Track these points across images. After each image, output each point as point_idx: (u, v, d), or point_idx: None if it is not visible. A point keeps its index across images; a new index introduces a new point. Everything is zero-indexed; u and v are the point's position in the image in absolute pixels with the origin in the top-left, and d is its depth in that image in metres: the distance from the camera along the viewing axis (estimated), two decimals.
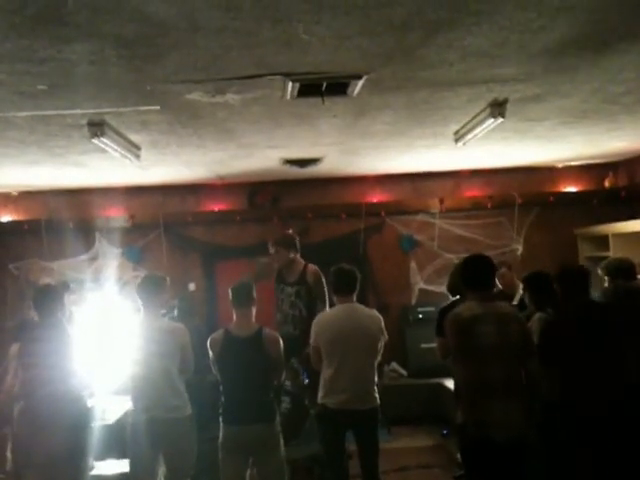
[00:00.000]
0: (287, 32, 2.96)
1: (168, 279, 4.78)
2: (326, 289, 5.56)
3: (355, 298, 4.74)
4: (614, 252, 6.95)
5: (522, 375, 3.99)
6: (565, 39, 3.31)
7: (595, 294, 6.16)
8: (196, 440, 4.65)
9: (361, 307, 4.79)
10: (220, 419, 4.46)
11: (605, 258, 6.19)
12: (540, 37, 3.26)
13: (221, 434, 4.44)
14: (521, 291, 5.48)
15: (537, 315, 4.67)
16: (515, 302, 5.59)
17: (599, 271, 5.29)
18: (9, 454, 4.66)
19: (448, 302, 5.08)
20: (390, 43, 3.21)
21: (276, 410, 4.55)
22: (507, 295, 5.60)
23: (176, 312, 6.47)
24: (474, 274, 4.14)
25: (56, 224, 7.71)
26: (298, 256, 5.77)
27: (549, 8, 2.88)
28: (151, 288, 4.61)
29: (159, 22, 2.77)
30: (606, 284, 5.04)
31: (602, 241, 7.38)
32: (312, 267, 5.80)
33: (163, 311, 4.66)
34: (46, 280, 6.86)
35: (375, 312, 4.82)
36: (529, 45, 3.38)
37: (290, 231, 6.15)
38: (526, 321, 4.44)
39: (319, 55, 3.33)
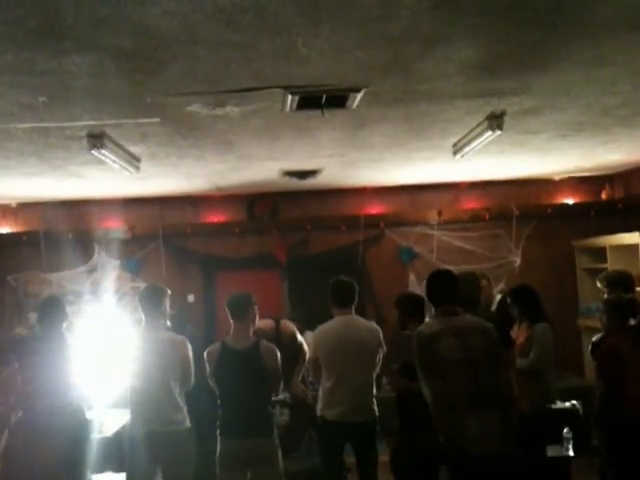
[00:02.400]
0: (286, 45, 2.99)
1: (169, 290, 4.77)
2: (303, 342, 5.71)
3: (354, 310, 4.75)
4: (611, 264, 6.97)
5: (498, 385, 3.91)
6: (561, 52, 3.34)
7: (594, 306, 6.17)
8: (195, 453, 4.64)
9: (359, 319, 4.79)
10: (218, 432, 4.44)
11: (602, 270, 6.22)
12: (536, 51, 3.28)
13: (219, 448, 4.42)
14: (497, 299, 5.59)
15: (540, 325, 4.74)
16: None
17: (598, 283, 5.31)
18: None
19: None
20: (388, 56, 3.23)
21: (274, 423, 4.54)
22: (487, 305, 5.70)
23: (169, 323, 6.46)
24: (435, 290, 4.10)
25: (55, 235, 7.70)
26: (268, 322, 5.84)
27: (545, 22, 2.91)
28: (152, 299, 4.60)
29: (159, 35, 2.79)
30: (605, 296, 5.06)
31: (599, 253, 7.41)
32: (285, 326, 5.90)
33: (167, 323, 4.64)
34: (52, 292, 6.85)
35: (373, 324, 4.83)
36: (525, 59, 3.40)
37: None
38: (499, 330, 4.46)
39: (318, 68, 3.36)
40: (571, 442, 5.13)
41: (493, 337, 3.98)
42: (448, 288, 4.06)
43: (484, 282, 5.95)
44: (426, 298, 4.25)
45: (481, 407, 3.82)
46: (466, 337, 3.89)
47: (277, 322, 5.94)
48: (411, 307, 4.90)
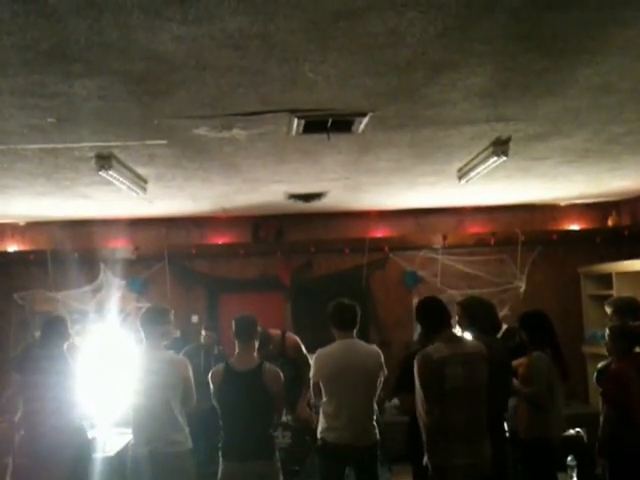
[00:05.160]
0: (293, 70, 3.02)
1: (172, 311, 4.78)
2: (308, 355, 5.67)
3: (355, 333, 4.73)
4: (617, 291, 6.95)
5: (489, 414, 3.98)
6: (567, 80, 3.36)
7: (599, 333, 6.11)
8: (196, 475, 4.61)
9: (360, 343, 4.76)
10: (219, 454, 4.43)
11: (608, 297, 6.19)
12: (543, 78, 3.31)
13: (220, 470, 4.40)
14: (504, 326, 5.55)
15: (535, 354, 4.69)
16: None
17: (606, 308, 5.28)
18: None
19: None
20: (394, 82, 3.26)
21: (275, 445, 4.52)
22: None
23: (203, 338, 6.66)
24: (435, 316, 4.11)
25: (61, 255, 7.73)
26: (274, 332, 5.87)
27: (551, 50, 2.94)
28: (154, 319, 4.60)
29: (168, 60, 2.83)
30: (611, 322, 5.03)
31: (605, 279, 7.39)
32: (291, 337, 5.92)
33: (165, 342, 4.65)
34: (55, 311, 6.87)
35: (374, 347, 4.81)
36: (532, 86, 3.43)
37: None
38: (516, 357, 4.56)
39: (324, 93, 3.39)
40: (575, 470, 5.09)
41: (488, 365, 4.04)
42: (445, 313, 4.11)
43: None
44: (421, 325, 4.27)
45: (471, 436, 3.86)
46: (470, 365, 3.93)
47: (283, 333, 5.96)
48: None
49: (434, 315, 4.12)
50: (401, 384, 4.63)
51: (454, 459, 3.81)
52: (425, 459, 3.95)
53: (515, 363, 4.74)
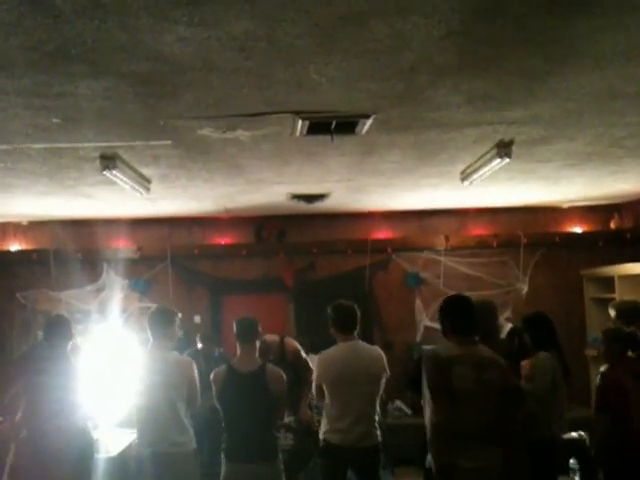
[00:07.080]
0: (298, 73, 3.03)
1: (179, 314, 4.78)
2: (307, 359, 5.70)
3: (356, 334, 4.72)
4: (619, 294, 6.95)
5: (502, 422, 3.79)
6: (571, 84, 3.37)
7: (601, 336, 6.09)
8: (199, 476, 4.62)
9: (363, 345, 4.75)
10: (222, 455, 4.43)
11: (610, 300, 6.19)
12: (547, 82, 3.32)
13: (223, 471, 4.40)
14: (508, 326, 5.53)
15: (542, 354, 4.67)
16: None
17: (610, 311, 5.27)
18: None
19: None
20: (398, 85, 3.27)
21: (278, 447, 4.52)
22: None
23: (200, 345, 6.61)
24: (454, 319, 3.96)
25: (64, 254, 7.75)
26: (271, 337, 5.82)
27: (555, 54, 2.94)
28: (161, 320, 4.60)
29: (174, 61, 2.84)
30: (614, 325, 5.02)
31: (607, 282, 7.39)
32: (290, 343, 5.90)
33: (171, 344, 4.65)
34: (58, 311, 6.87)
35: (377, 349, 4.80)
36: (535, 89, 3.44)
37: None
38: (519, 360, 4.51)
39: (329, 95, 3.40)
40: (578, 473, 5.08)
41: (506, 373, 3.89)
42: (467, 318, 3.93)
43: None
44: (439, 325, 4.11)
45: (481, 441, 3.74)
46: (482, 369, 3.78)
47: (282, 338, 5.95)
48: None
49: (454, 317, 3.96)
50: (413, 383, 4.58)
51: (459, 461, 3.71)
52: (428, 460, 3.90)
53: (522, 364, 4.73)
